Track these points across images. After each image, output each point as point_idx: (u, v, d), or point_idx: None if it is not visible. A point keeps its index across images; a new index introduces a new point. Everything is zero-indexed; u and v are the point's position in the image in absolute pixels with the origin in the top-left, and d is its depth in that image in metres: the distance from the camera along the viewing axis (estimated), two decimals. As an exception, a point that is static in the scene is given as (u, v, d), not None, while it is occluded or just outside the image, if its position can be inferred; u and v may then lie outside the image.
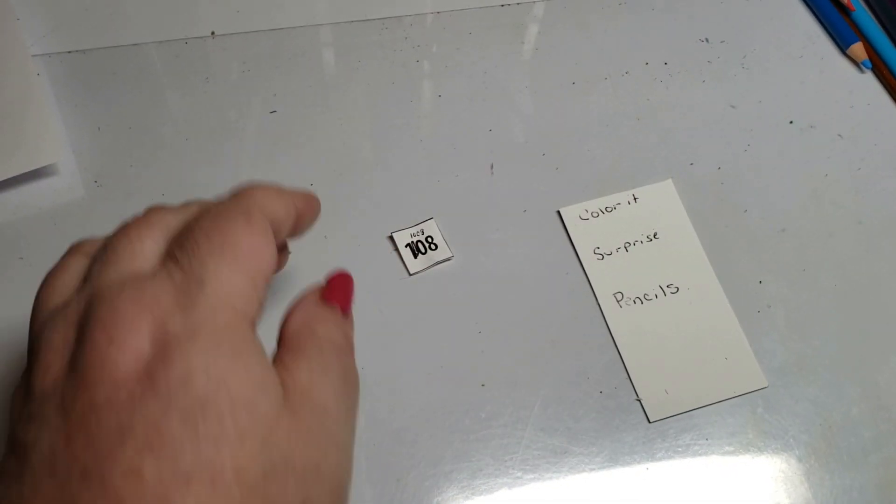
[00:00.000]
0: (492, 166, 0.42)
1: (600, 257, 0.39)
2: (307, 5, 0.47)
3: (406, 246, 0.39)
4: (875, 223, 0.41)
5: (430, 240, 0.39)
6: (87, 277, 0.24)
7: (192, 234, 0.24)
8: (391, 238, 0.39)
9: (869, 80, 0.46)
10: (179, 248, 0.24)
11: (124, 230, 0.25)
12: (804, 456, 0.35)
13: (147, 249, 0.24)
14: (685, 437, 0.35)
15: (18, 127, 0.40)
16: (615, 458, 0.34)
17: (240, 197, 0.26)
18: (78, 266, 0.25)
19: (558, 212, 0.40)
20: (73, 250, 0.26)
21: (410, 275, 0.38)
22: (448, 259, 0.39)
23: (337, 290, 0.28)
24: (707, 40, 0.47)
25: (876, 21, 0.48)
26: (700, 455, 0.35)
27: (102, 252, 0.24)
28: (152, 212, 0.26)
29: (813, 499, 0.34)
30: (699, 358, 0.37)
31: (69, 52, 0.44)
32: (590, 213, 0.40)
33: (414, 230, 0.39)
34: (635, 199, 0.41)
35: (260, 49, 0.45)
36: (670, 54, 0.46)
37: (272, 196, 0.27)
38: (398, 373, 0.36)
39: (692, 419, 0.35)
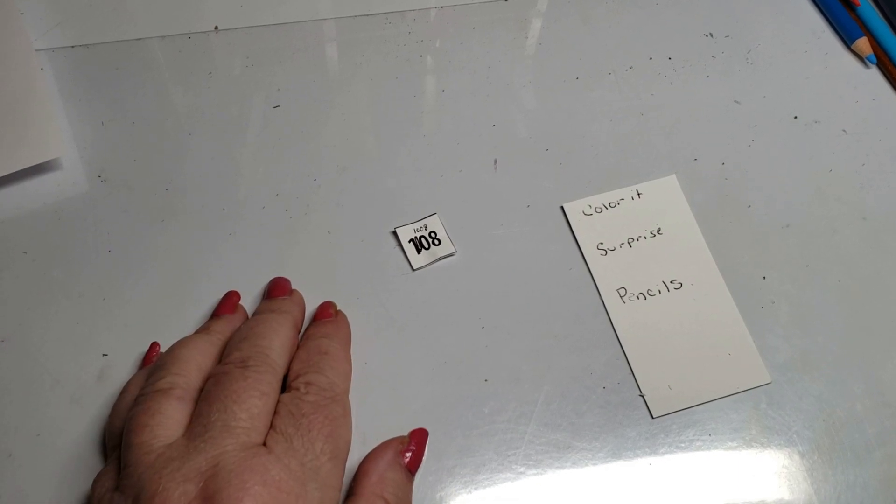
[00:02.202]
0: (495, 161, 0.42)
1: (603, 253, 0.39)
2: (310, 0, 0.46)
3: (409, 241, 0.39)
4: (879, 219, 0.41)
5: (433, 235, 0.39)
6: (197, 433, 0.28)
7: (304, 419, 0.30)
8: (394, 233, 0.39)
9: (874, 76, 0.46)
10: (294, 427, 0.29)
11: (234, 390, 0.30)
12: (807, 452, 0.35)
13: (257, 417, 0.29)
14: (688, 433, 0.35)
15: (22, 122, 0.40)
16: (618, 453, 0.34)
17: (332, 383, 0.32)
18: (174, 412, 0.30)
19: (562, 207, 0.40)
20: (159, 391, 0.31)
21: (414, 270, 0.38)
22: (451, 254, 0.39)
23: (414, 453, 0.33)
24: (711, 35, 0.47)
25: (881, 16, 0.47)
26: (703, 451, 0.35)
27: (219, 412, 0.29)
28: (255, 375, 0.31)
29: (815, 495, 0.34)
30: (702, 354, 0.37)
31: (73, 46, 0.44)
32: (593, 208, 0.40)
33: (417, 225, 0.39)
34: (639, 194, 0.41)
35: (263, 44, 0.45)
36: (674, 49, 0.46)
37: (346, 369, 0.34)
38: (401, 368, 0.36)
39: (695, 415, 0.35)
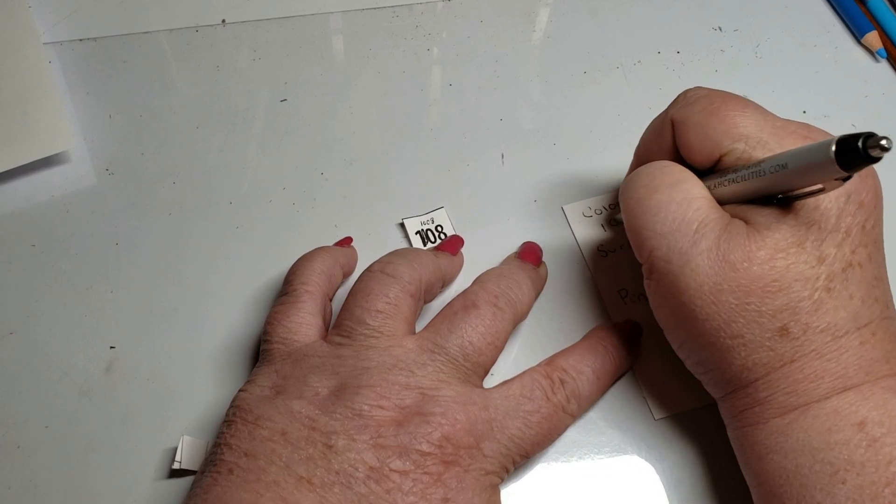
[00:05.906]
0: (502, 155, 0.42)
1: (604, 254, 0.39)
2: (318, -7, 0.46)
3: (416, 233, 0.39)
4: (889, 217, 0.41)
5: (439, 228, 0.39)
6: (339, 341, 0.31)
7: (460, 334, 0.31)
8: (402, 224, 0.39)
9: (884, 70, 0.45)
10: (442, 338, 0.31)
11: (369, 303, 0.31)
12: (813, 448, 0.35)
13: (401, 324, 0.32)
14: (690, 434, 0.35)
15: (30, 115, 0.40)
16: (620, 454, 0.34)
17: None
18: (313, 308, 0.33)
19: (562, 208, 0.40)
20: (303, 296, 0.33)
21: (420, 264, 0.38)
22: (457, 248, 0.39)
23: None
24: (720, 29, 0.46)
25: (892, 9, 0.47)
26: (705, 452, 0.35)
27: (360, 324, 0.31)
28: (395, 286, 0.32)
29: (821, 491, 0.34)
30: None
31: (81, 39, 0.44)
32: (593, 210, 0.40)
33: (424, 218, 0.39)
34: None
35: (270, 37, 0.45)
36: (683, 43, 0.46)
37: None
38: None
39: (697, 416, 0.35)
